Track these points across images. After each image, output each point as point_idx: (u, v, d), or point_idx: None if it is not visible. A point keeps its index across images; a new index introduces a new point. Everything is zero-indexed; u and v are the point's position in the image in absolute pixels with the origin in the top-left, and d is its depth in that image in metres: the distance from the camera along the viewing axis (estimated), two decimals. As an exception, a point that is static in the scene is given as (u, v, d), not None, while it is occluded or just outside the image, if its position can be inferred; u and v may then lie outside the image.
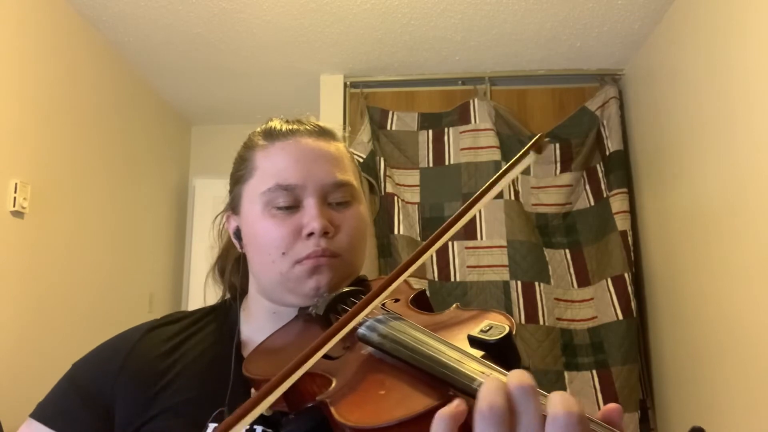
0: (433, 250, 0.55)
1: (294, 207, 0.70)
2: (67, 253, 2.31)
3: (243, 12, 2.36)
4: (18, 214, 2.01)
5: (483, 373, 0.44)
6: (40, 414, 0.69)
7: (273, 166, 0.71)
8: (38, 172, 2.13)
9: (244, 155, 0.76)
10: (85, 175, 2.45)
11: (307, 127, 0.75)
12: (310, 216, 0.68)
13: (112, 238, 2.66)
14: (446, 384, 0.46)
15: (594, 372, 2.43)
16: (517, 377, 0.40)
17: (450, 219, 0.56)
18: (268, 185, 0.70)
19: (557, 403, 0.38)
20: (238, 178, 0.76)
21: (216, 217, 0.83)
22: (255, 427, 0.63)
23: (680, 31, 2.23)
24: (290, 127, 0.75)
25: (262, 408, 0.47)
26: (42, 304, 2.14)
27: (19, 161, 2.04)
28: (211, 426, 0.64)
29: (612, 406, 0.41)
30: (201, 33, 2.52)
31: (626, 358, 2.39)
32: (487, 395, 0.39)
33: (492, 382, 0.40)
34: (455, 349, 0.49)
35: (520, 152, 0.56)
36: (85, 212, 2.44)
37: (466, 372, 0.45)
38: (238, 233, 0.76)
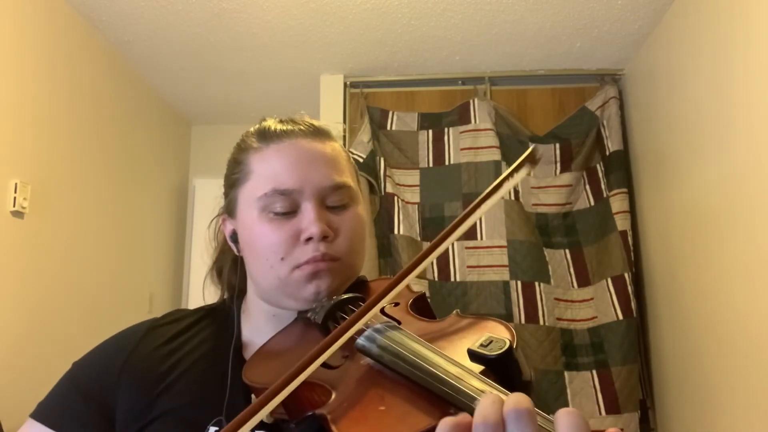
0: (431, 259, 0.55)
1: (291, 211, 0.68)
2: (67, 253, 2.31)
3: (243, 12, 2.36)
4: (18, 214, 2.01)
5: (483, 392, 0.44)
6: (40, 414, 0.69)
7: (269, 170, 0.70)
8: (38, 172, 2.13)
9: (238, 158, 0.74)
10: (85, 175, 2.45)
11: (302, 128, 0.73)
12: (309, 220, 0.67)
13: (112, 239, 2.66)
14: (447, 402, 0.45)
15: (594, 372, 2.43)
16: (514, 400, 0.39)
17: (446, 228, 0.55)
18: (265, 190, 0.68)
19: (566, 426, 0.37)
20: (234, 181, 0.74)
21: (212, 221, 0.82)
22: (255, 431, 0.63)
23: (680, 31, 2.23)
24: (284, 127, 0.73)
25: (261, 416, 0.47)
26: (42, 304, 2.14)
27: (19, 161, 2.04)
28: (212, 429, 0.63)
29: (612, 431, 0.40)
30: (201, 33, 2.52)
31: (626, 358, 2.39)
32: (482, 411, 0.39)
33: (487, 399, 0.40)
34: (455, 364, 0.49)
35: (514, 165, 0.56)
36: (85, 212, 2.44)
37: (467, 391, 0.44)
38: (234, 236, 0.75)
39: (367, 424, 0.48)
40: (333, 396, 0.53)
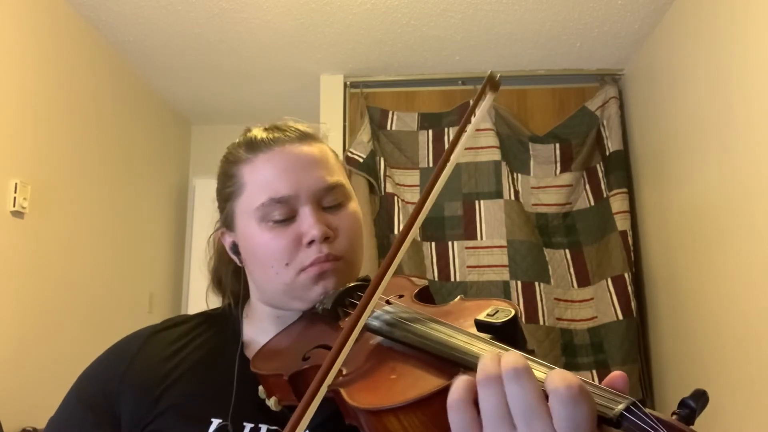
0: (425, 212, 0.57)
1: (290, 217, 0.69)
2: (67, 253, 2.31)
3: (243, 12, 2.36)
4: (18, 214, 2.01)
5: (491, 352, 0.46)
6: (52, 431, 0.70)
7: (262, 180, 0.70)
8: (38, 172, 2.13)
9: (229, 171, 0.75)
10: (84, 175, 2.45)
11: (288, 134, 0.74)
12: (309, 224, 0.68)
13: (112, 238, 2.66)
14: (457, 365, 0.47)
15: (594, 372, 2.43)
16: (512, 355, 0.42)
17: (431, 179, 0.56)
18: (261, 200, 0.69)
19: (556, 378, 0.40)
20: (227, 195, 0.74)
21: (210, 236, 0.82)
22: (260, 425, 0.64)
23: (680, 31, 2.23)
24: (271, 135, 0.74)
25: (323, 391, 0.49)
26: (42, 304, 2.13)
27: (19, 161, 2.04)
28: (215, 422, 0.64)
29: (616, 373, 0.43)
30: (201, 33, 2.52)
31: (626, 358, 2.39)
32: (485, 363, 0.42)
33: (492, 353, 0.43)
34: (463, 332, 0.51)
35: (477, 95, 0.56)
36: (85, 212, 2.44)
37: (476, 351, 0.46)
38: (235, 248, 0.76)
39: (379, 390, 0.49)
40: (343, 372, 0.54)
